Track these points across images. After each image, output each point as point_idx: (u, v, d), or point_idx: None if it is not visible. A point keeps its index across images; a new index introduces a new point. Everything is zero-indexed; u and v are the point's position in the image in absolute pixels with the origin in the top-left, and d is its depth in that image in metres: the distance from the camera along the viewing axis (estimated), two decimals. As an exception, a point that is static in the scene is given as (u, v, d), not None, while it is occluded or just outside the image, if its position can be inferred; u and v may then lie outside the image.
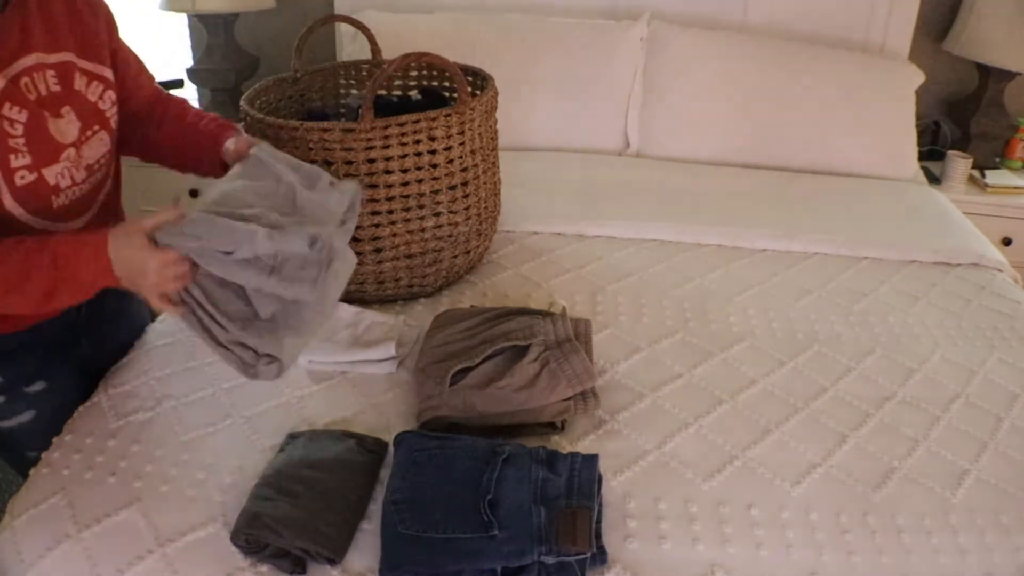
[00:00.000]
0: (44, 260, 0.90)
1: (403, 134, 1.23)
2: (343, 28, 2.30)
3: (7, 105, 0.94)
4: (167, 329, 1.29)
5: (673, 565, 0.90)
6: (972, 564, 0.92)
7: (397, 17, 2.16)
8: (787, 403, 1.17)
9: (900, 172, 2.09)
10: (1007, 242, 2.22)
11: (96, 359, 1.22)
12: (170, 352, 1.24)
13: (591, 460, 0.98)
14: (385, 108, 1.49)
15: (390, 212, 1.28)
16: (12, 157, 0.94)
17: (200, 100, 2.52)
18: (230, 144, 1.10)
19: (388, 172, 1.25)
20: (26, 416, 1.14)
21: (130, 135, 1.17)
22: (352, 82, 1.70)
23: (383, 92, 1.67)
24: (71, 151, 1.01)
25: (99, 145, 1.07)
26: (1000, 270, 1.65)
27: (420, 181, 1.28)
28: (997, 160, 2.38)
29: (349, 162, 1.23)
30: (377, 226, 1.28)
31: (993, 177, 2.27)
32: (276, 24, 2.49)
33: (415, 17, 2.17)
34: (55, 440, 1.06)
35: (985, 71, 2.30)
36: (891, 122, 2.09)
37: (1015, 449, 1.11)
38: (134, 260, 0.90)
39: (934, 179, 2.25)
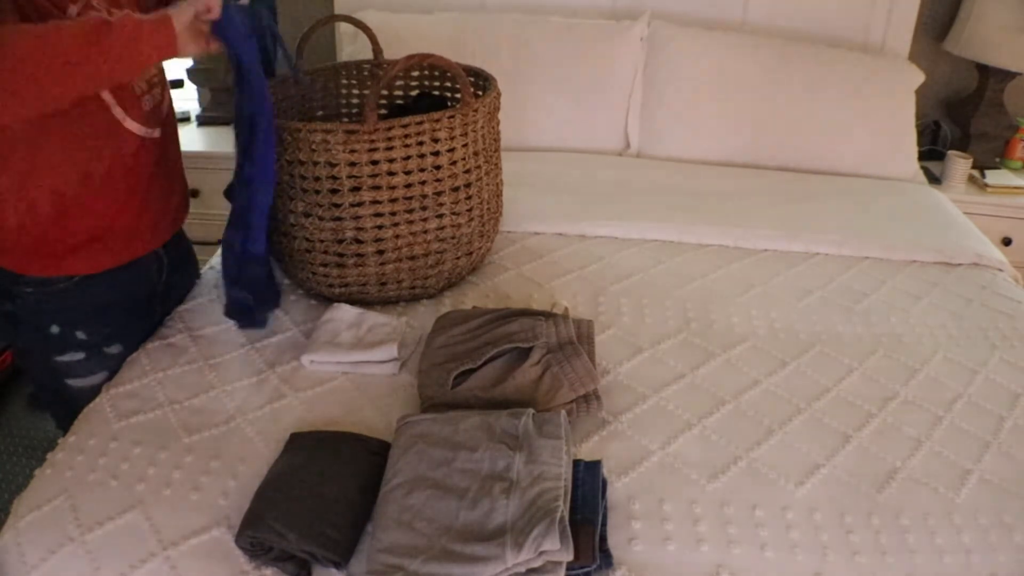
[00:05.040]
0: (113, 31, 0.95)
1: (406, 136, 1.23)
2: (343, 28, 2.30)
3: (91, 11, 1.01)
4: (168, 331, 1.29)
5: (678, 566, 0.90)
6: (976, 563, 0.93)
7: (397, 17, 2.15)
8: (790, 403, 1.17)
9: (900, 172, 2.09)
10: (1007, 242, 2.22)
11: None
12: (171, 353, 1.23)
13: (594, 468, 0.97)
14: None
15: (393, 214, 1.28)
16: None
17: (200, 100, 2.51)
18: None
19: (391, 174, 1.25)
20: (99, 377, 1.20)
21: None
22: (354, 82, 1.69)
23: (383, 92, 1.67)
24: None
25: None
26: (1000, 270, 1.65)
27: (423, 183, 1.28)
28: (997, 160, 2.38)
29: (352, 163, 1.23)
30: (380, 227, 1.28)
31: (993, 177, 2.27)
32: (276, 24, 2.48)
33: (415, 17, 2.16)
34: (60, 441, 1.06)
35: (985, 71, 2.31)
36: (891, 122, 2.09)
37: (1018, 448, 1.11)
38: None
39: (934, 179, 2.25)
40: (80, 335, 1.18)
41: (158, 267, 1.29)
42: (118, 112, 1.10)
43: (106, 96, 1.07)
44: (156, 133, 1.19)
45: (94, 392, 1.17)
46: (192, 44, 1.04)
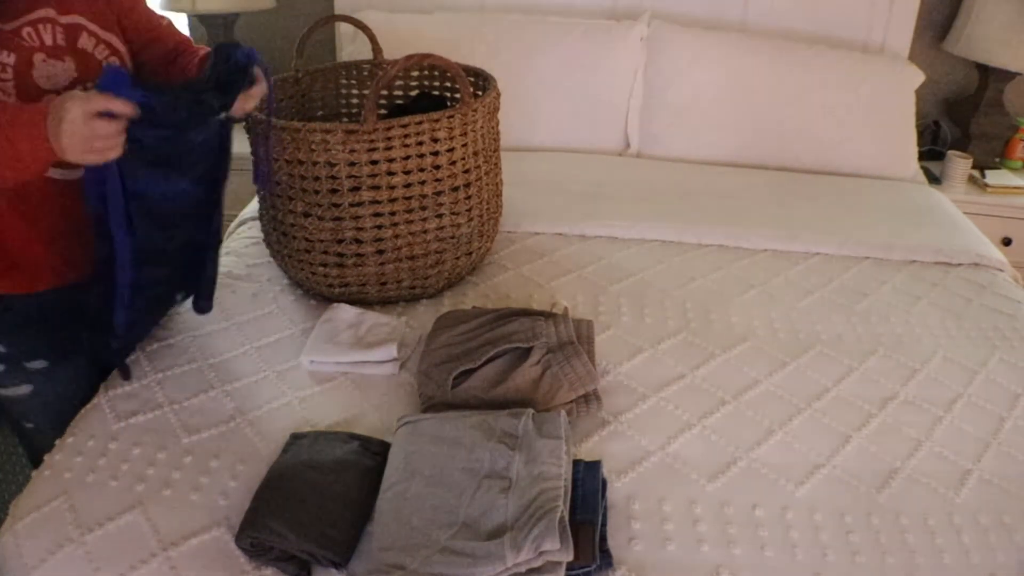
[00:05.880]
0: None
1: (406, 135, 1.23)
2: (343, 28, 2.30)
3: (3, 52, 0.99)
4: (168, 331, 1.29)
5: (678, 566, 0.90)
6: (976, 563, 0.93)
7: (397, 17, 2.15)
8: (790, 403, 1.17)
9: (900, 172, 2.10)
10: (1007, 242, 2.22)
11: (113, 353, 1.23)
12: (171, 353, 1.23)
13: (594, 468, 0.97)
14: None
15: (392, 214, 1.28)
16: (1, 95, 1.00)
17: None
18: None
19: (391, 174, 1.25)
20: (23, 389, 1.17)
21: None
22: (353, 82, 1.70)
23: (383, 92, 1.67)
24: (53, 96, 1.02)
25: None
26: (1000, 270, 1.65)
27: (422, 183, 1.28)
28: (997, 160, 2.38)
29: (352, 163, 1.23)
30: (379, 227, 1.28)
31: (993, 177, 2.27)
32: (276, 24, 2.48)
33: (415, 17, 2.16)
34: (57, 442, 1.05)
35: (985, 71, 2.31)
36: (891, 122, 2.09)
37: (1017, 448, 1.11)
38: (60, 108, 0.87)
39: (934, 179, 2.25)
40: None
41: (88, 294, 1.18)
42: None
43: None
44: (79, 173, 1.07)
45: (18, 402, 1.17)
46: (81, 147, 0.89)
